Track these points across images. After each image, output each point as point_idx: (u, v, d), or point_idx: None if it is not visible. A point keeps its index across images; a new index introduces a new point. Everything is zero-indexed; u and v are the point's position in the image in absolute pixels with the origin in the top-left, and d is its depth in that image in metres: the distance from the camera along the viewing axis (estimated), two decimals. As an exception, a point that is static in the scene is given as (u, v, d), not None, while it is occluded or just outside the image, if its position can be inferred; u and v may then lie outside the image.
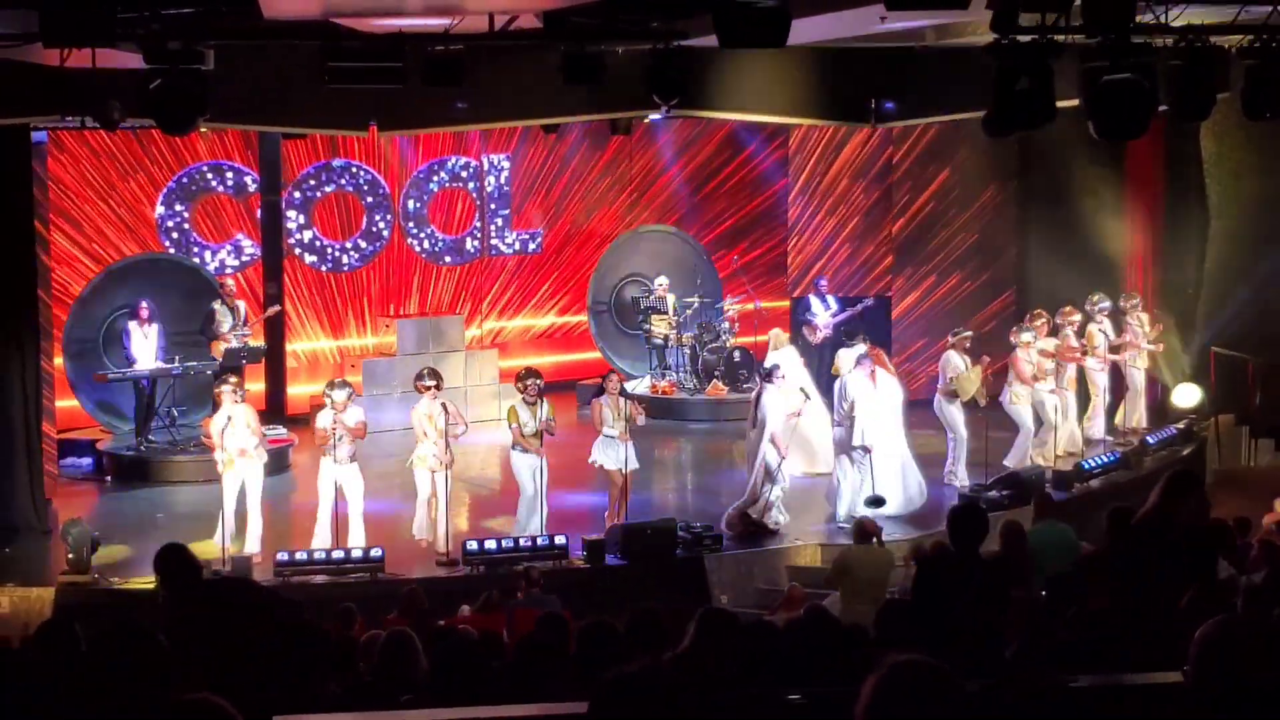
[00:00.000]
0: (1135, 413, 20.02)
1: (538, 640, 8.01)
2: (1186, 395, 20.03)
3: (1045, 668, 7.06)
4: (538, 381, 15.65)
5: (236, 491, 15.13)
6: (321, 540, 15.04)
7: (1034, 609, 9.25)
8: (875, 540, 13.12)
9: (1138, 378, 19.89)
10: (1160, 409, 20.28)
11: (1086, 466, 17.61)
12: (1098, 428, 19.29)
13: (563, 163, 23.52)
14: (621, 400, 16.01)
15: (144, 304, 19.11)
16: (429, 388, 15.49)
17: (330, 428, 15.04)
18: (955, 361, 17.50)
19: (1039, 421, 18.35)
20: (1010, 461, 17.74)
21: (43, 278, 17.32)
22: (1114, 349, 19.22)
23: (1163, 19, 11.91)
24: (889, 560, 13.07)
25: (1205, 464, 19.71)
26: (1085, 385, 19.47)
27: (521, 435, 15.44)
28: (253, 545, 15.24)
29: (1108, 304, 19.25)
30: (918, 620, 7.78)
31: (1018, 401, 17.91)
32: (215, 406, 15.79)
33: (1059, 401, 18.38)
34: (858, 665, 6.64)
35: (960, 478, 17.61)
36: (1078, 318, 18.88)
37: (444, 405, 15.39)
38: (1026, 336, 17.98)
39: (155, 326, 19.13)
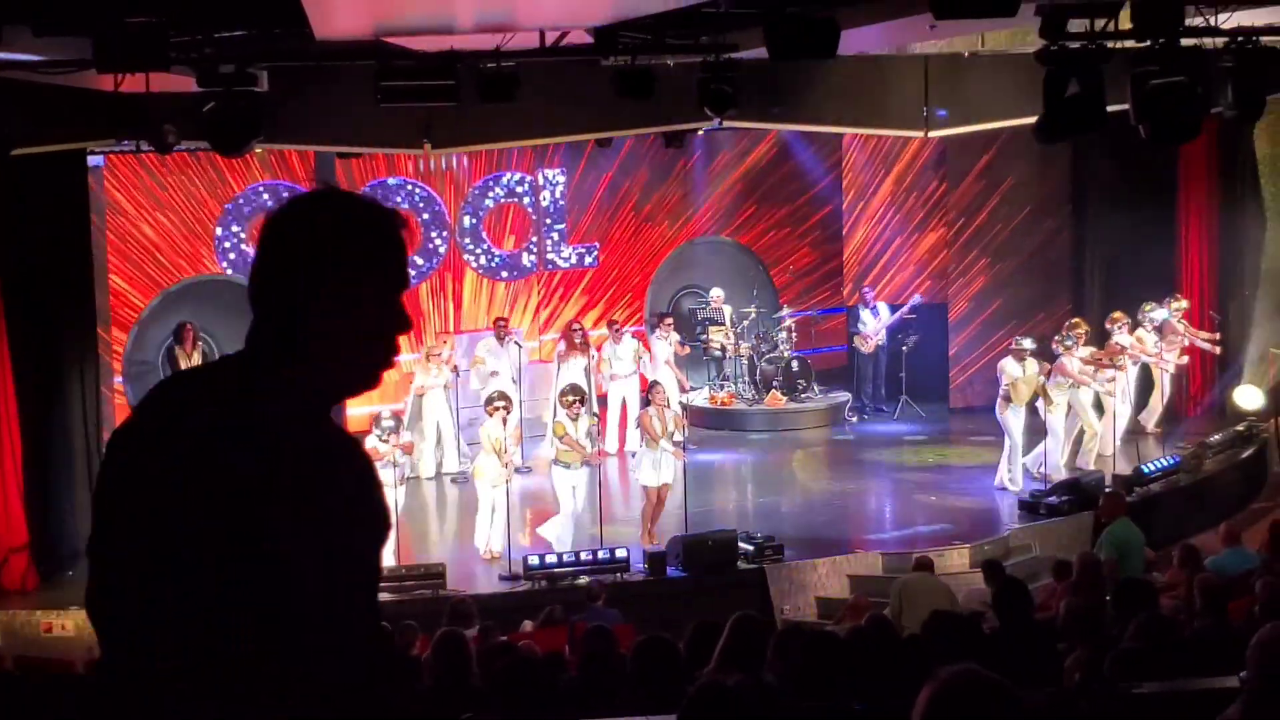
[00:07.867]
0: (1154, 415, 20.06)
1: (586, 655, 8.03)
2: (1249, 397, 19.88)
3: (1108, 675, 7.04)
4: (580, 398, 15.77)
5: None
6: None
7: (1098, 615, 9.19)
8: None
9: (1165, 380, 19.84)
10: (1221, 411, 20.13)
11: (1146, 471, 17.49)
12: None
13: (615, 176, 23.49)
14: (669, 413, 16.02)
15: (188, 326, 19.15)
16: (498, 409, 15.58)
17: (391, 448, 15.08)
18: (1011, 368, 17.48)
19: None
20: (1047, 469, 17.64)
21: (101, 302, 17.41)
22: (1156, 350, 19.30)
23: (1212, 21, 11.86)
24: (945, 592, 12.84)
25: (1266, 466, 19.57)
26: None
27: (562, 452, 15.55)
28: None
29: (1160, 314, 19.19)
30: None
31: (1052, 410, 17.76)
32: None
33: (1104, 400, 18.43)
34: (921, 675, 6.63)
35: (1016, 482, 17.63)
36: (1128, 323, 18.79)
37: (504, 421, 15.50)
38: (1067, 344, 17.83)
39: (200, 349, 19.15)
